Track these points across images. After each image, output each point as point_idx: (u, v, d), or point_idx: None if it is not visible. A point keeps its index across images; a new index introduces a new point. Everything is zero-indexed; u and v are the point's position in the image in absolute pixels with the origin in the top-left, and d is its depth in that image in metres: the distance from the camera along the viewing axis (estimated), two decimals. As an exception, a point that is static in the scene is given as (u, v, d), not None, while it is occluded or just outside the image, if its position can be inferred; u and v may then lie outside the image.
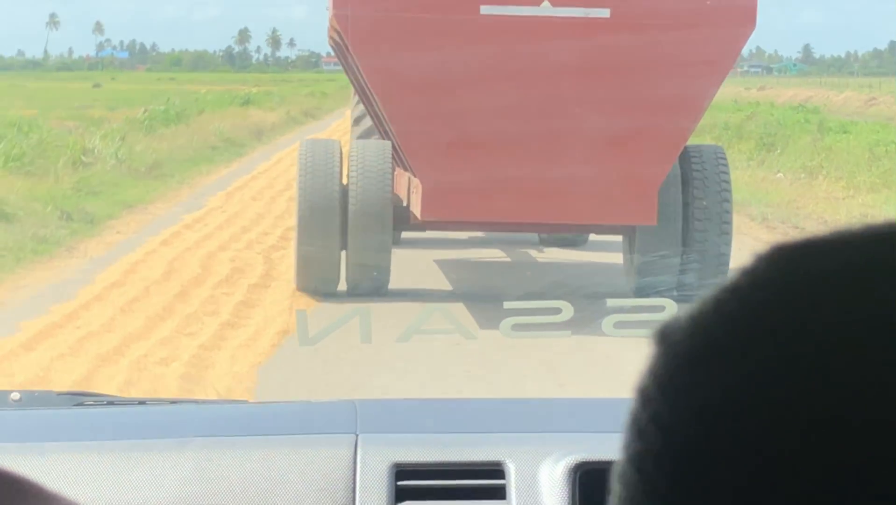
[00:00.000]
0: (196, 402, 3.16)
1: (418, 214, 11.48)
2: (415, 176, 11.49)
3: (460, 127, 11.10)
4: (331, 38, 12.38)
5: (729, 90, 74.54)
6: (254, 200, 19.66)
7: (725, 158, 12.30)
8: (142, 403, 2.84)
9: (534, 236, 14.84)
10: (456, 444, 2.37)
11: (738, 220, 13.78)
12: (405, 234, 13.43)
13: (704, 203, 11.85)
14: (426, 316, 8.96)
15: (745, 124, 30.99)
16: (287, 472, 2.27)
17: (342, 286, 11.92)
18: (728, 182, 12.06)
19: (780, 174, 23.31)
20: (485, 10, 10.87)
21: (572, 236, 14.50)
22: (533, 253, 14.74)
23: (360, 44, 11.15)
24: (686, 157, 11.98)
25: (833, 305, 0.74)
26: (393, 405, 2.97)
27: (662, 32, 10.94)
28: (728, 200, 11.97)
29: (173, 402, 2.98)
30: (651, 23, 10.95)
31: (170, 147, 27.59)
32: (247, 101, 50.54)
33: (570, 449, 2.27)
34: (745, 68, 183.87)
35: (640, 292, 11.55)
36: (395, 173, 12.30)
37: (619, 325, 7.50)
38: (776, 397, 0.73)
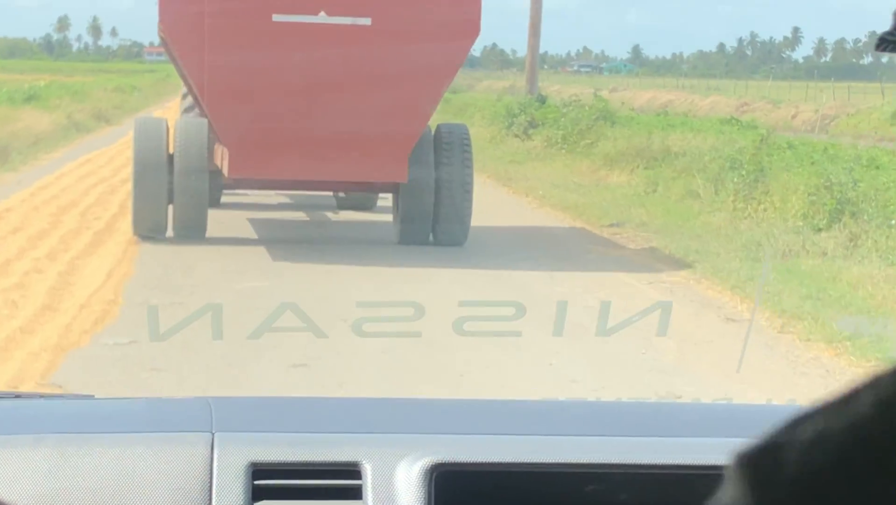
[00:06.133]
0: (42, 396, 2.95)
1: (226, 174, 14.71)
2: (223, 145, 14.66)
3: (256, 108, 14.15)
4: (160, 30, 14.88)
5: (576, 90, 67.78)
6: None
7: (469, 136, 15.56)
8: None
9: (332, 203, 18.52)
10: (313, 443, 2.32)
11: None
12: (225, 199, 17.67)
13: (451, 168, 15.12)
14: (278, 314, 8.62)
15: (757, 156, 20.73)
16: (143, 470, 2.20)
17: (169, 233, 15.01)
18: (470, 153, 15.35)
19: None
20: (276, 17, 13.96)
21: (363, 200, 18.15)
22: (329, 214, 18.22)
23: (179, 42, 14.44)
24: (439, 133, 15.36)
25: None
26: (249, 403, 2.86)
27: (411, 33, 14.13)
28: (469, 166, 15.29)
29: (18, 395, 2.78)
30: (403, 28, 14.10)
31: None
32: (31, 98, 41.08)
33: (428, 450, 2.27)
34: (576, 67, 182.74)
35: (403, 239, 15.16)
36: (215, 147, 15.27)
37: (470, 325, 8.42)
38: None
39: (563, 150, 28.91)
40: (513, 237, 16.30)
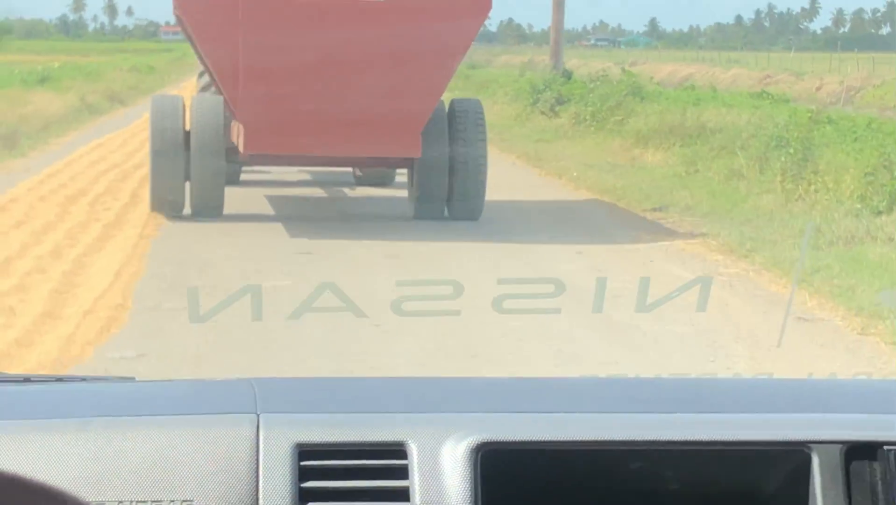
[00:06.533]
0: (84, 379, 2.81)
1: (241, 150, 14.62)
2: (239, 122, 14.67)
3: (271, 84, 14.05)
4: (175, 8, 14.57)
5: (596, 64, 66.32)
6: None
7: (482, 109, 15.59)
8: (27, 379, 2.65)
9: (350, 179, 18.68)
10: (358, 424, 2.30)
11: None
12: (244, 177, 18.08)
13: (465, 143, 15.11)
14: (318, 294, 7.30)
15: (804, 133, 19.57)
16: (189, 453, 2.20)
17: (186, 211, 15.09)
18: (483, 128, 15.33)
19: None
20: None
21: (381, 176, 18.19)
22: (347, 190, 18.24)
23: (193, 20, 14.38)
24: (453, 108, 15.42)
25: None
26: (292, 384, 2.72)
27: (424, 8, 14.11)
28: (483, 141, 15.27)
29: (59, 379, 2.74)
30: (415, 3, 14.08)
31: None
32: (44, 79, 40.29)
33: (473, 429, 2.26)
34: (592, 41, 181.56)
35: (418, 214, 15.31)
36: (232, 124, 15.23)
37: (510, 303, 7.94)
38: None
39: (593, 128, 27.79)
40: (552, 224, 15.14)
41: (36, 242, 12.79)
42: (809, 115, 19.88)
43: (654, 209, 16.17)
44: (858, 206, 15.20)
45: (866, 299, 10.40)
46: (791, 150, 17.94)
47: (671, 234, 14.38)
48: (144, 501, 2.16)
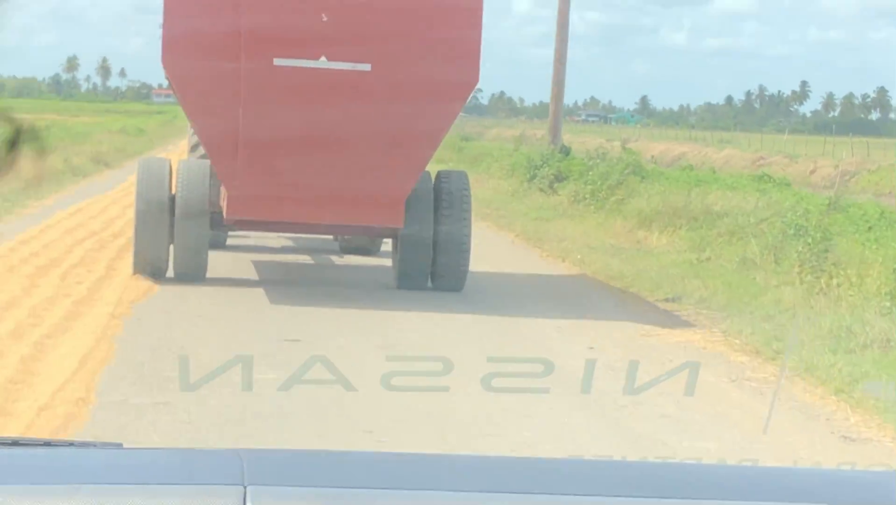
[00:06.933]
0: (72, 443, 2.89)
1: (226, 216, 14.65)
2: (224, 187, 14.69)
3: (256, 152, 14.10)
4: (166, 71, 14.53)
5: (586, 140, 65.61)
6: None
7: (468, 182, 15.69)
8: (15, 443, 2.69)
9: (335, 247, 18.96)
10: (345, 498, 2.31)
11: None
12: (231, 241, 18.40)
13: (450, 214, 15.24)
14: (308, 366, 7.59)
15: (824, 222, 18.67)
16: None
17: (170, 274, 15.10)
18: (468, 200, 15.43)
19: None
20: (277, 62, 13.90)
21: (367, 245, 18.39)
22: (334, 258, 18.29)
23: (181, 86, 14.37)
24: (439, 179, 15.53)
25: None
26: (281, 456, 2.70)
27: (411, 80, 14.04)
28: (468, 212, 15.38)
29: (47, 443, 2.78)
30: (402, 75, 14.03)
31: None
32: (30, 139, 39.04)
33: None
34: (583, 117, 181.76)
35: (401, 284, 15.32)
36: (221, 188, 15.05)
37: (499, 381, 7.58)
38: None
39: (593, 207, 26.82)
40: (559, 315, 13.96)
41: (-4, 320, 11.67)
42: (828, 202, 18.89)
43: (667, 299, 15.10)
44: (888, 304, 14.13)
45: (917, 417, 9.32)
46: (809, 241, 16.91)
47: (688, 328, 13.29)
48: None
